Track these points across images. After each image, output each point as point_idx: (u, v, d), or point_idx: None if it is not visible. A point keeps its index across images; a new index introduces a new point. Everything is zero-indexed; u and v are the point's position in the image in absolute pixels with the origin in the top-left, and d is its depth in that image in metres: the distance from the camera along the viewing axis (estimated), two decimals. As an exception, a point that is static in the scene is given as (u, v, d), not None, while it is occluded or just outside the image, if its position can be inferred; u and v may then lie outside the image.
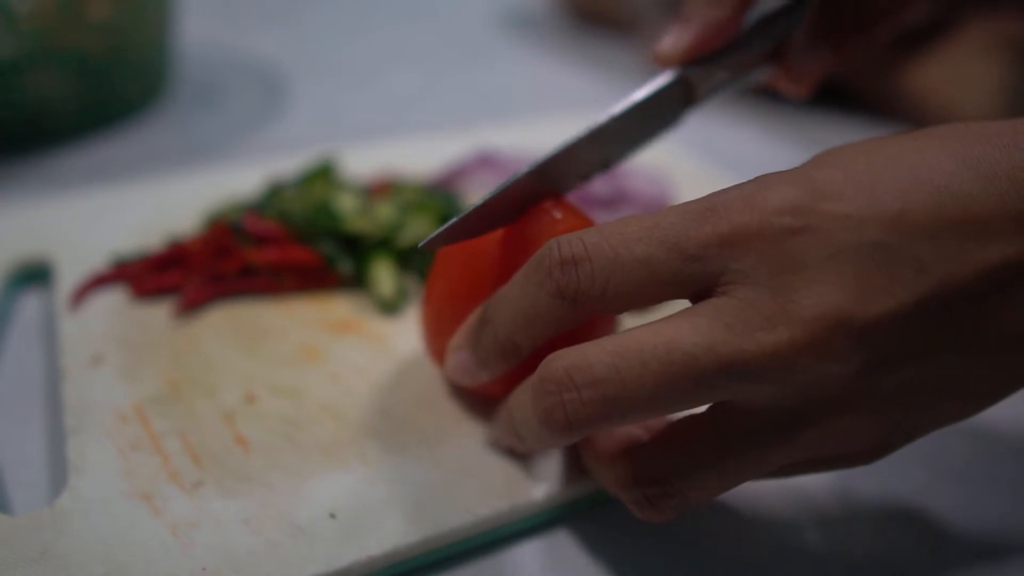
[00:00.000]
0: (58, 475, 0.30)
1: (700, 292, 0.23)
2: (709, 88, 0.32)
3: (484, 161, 0.47)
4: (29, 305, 0.39)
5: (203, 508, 0.28)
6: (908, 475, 0.31)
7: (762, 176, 0.23)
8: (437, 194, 0.43)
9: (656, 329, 0.22)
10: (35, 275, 0.40)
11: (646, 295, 0.23)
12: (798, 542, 0.29)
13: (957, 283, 0.21)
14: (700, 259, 0.22)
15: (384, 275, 0.38)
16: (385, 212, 0.41)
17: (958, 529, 0.29)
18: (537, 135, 0.52)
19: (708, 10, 0.31)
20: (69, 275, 0.39)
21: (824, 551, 0.28)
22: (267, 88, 0.64)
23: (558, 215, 0.28)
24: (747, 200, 0.22)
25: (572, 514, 0.29)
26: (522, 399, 0.25)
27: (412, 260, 0.40)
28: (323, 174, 0.44)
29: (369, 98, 0.63)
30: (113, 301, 0.38)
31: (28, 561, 0.26)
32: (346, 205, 0.40)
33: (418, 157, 0.49)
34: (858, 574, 0.28)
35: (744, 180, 0.24)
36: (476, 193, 0.46)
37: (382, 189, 0.44)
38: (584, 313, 0.24)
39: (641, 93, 0.31)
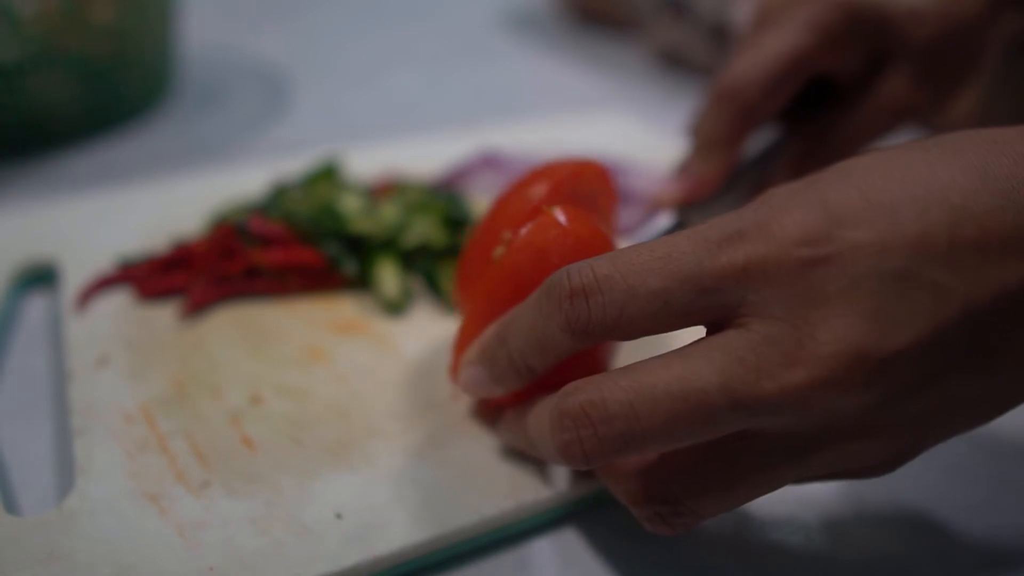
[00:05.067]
0: (65, 476, 0.30)
1: (715, 321, 0.22)
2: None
3: (487, 161, 0.47)
4: (35, 307, 0.39)
5: (210, 508, 0.28)
6: (915, 476, 0.30)
7: (777, 197, 0.23)
8: (441, 194, 0.43)
9: (670, 364, 0.22)
10: (40, 277, 0.41)
11: (659, 326, 0.23)
12: (804, 543, 0.29)
13: (976, 306, 0.21)
14: (715, 291, 0.22)
15: (388, 276, 0.38)
16: (389, 213, 0.41)
17: (966, 530, 0.29)
18: (540, 135, 0.52)
19: (702, 167, 0.38)
20: (74, 277, 0.39)
21: (830, 552, 0.28)
22: (270, 89, 0.64)
23: (564, 221, 0.28)
24: (763, 228, 0.22)
25: (578, 513, 0.29)
26: (540, 419, 0.25)
27: (416, 261, 0.40)
28: (327, 175, 0.44)
29: (372, 99, 0.63)
30: (119, 302, 0.38)
31: (35, 562, 0.26)
32: (350, 206, 0.41)
33: (421, 157, 0.49)
34: None
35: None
36: (479, 193, 0.46)
37: (386, 190, 0.44)
38: (594, 342, 0.24)
39: (647, 237, 0.36)
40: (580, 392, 0.23)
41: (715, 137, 0.38)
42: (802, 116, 0.40)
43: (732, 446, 0.23)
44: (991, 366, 0.22)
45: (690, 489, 0.24)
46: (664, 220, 0.38)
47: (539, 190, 0.31)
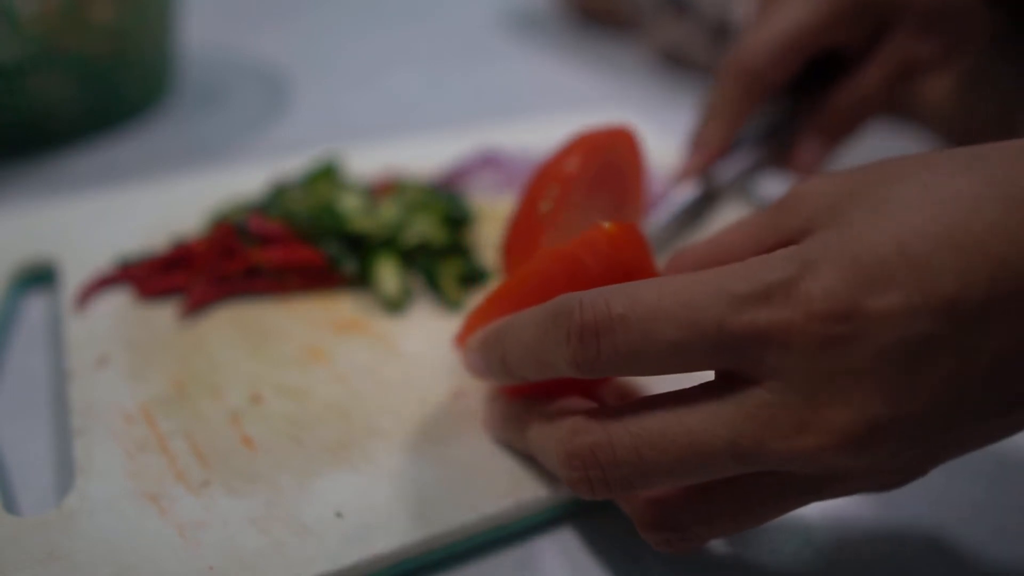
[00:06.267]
0: (65, 476, 0.30)
1: (728, 370, 0.22)
2: (728, 189, 0.42)
3: (487, 160, 0.47)
4: (34, 307, 0.39)
5: (210, 508, 0.28)
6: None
7: (806, 240, 0.22)
8: (440, 193, 0.43)
9: (680, 415, 0.22)
10: (40, 277, 0.40)
11: (668, 371, 0.22)
12: (805, 541, 0.29)
13: (1003, 359, 0.20)
14: (734, 348, 0.21)
15: (388, 274, 0.38)
16: (389, 212, 0.41)
17: (967, 529, 0.29)
18: (540, 134, 0.52)
19: (712, 136, 0.41)
20: (74, 277, 0.39)
21: (831, 552, 0.28)
22: (270, 89, 0.64)
23: (614, 241, 0.26)
24: (790, 290, 0.20)
25: (579, 511, 0.29)
26: (544, 440, 0.26)
27: (416, 259, 0.40)
28: (327, 174, 0.44)
29: (372, 98, 0.63)
30: (118, 302, 0.38)
31: (35, 562, 0.26)
32: (350, 205, 0.40)
33: (421, 157, 0.49)
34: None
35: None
36: (479, 192, 0.46)
37: (386, 189, 0.44)
38: (599, 377, 0.24)
39: (675, 206, 0.41)
40: (588, 433, 0.23)
41: (722, 107, 0.41)
42: (812, 91, 0.42)
43: (743, 481, 0.23)
44: (1006, 408, 0.21)
45: (700, 519, 0.24)
46: (687, 190, 0.41)
47: (573, 161, 0.32)
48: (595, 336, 0.22)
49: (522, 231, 0.33)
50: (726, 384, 0.22)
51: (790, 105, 0.43)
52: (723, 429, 0.21)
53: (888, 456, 0.21)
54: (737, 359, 0.21)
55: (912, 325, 0.19)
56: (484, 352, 0.28)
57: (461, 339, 0.30)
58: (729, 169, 0.42)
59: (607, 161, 0.33)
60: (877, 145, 0.48)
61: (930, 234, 0.20)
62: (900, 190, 0.21)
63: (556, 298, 0.24)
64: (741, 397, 0.21)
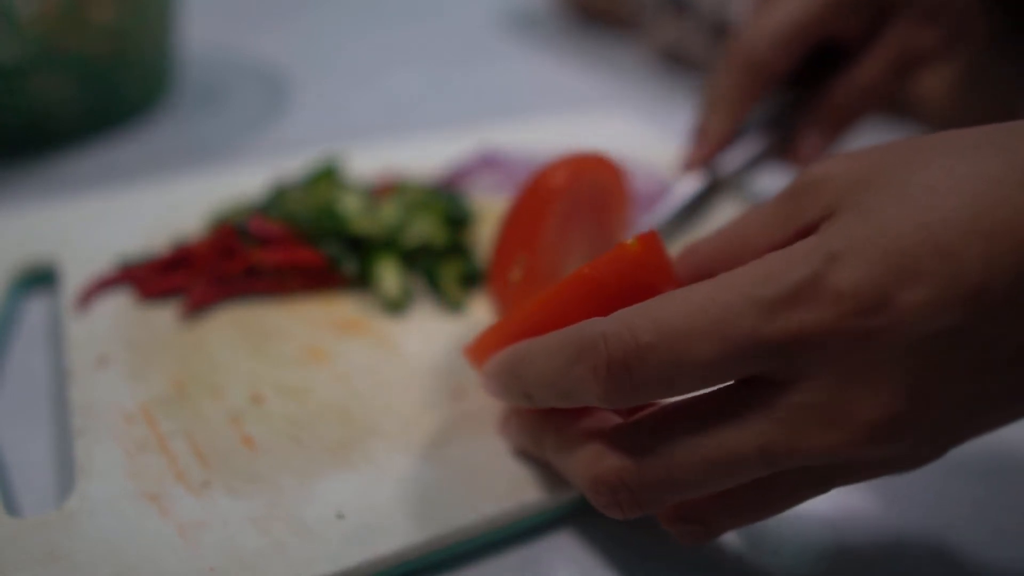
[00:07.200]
0: (65, 477, 0.30)
1: (752, 375, 0.22)
2: (731, 181, 0.43)
3: (488, 161, 0.47)
4: (35, 308, 0.39)
5: (210, 508, 0.28)
6: (916, 473, 0.30)
7: (825, 227, 0.21)
8: (441, 194, 0.43)
9: (709, 431, 0.22)
10: (40, 278, 0.40)
11: (702, 388, 0.22)
12: (805, 541, 0.29)
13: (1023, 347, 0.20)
14: (767, 356, 0.21)
15: (389, 275, 0.38)
16: (389, 212, 0.41)
17: (967, 529, 0.29)
18: (540, 134, 0.52)
19: (716, 125, 0.41)
20: (74, 277, 0.39)
21: (831, 551, 0.28)
22: (270, 89, 0.64)
23: (639, 259, 0.25)
24: (816, 287, 0.20)
25: (580, 512, 0.29)
26: (565, 459, 0.26)
27: (417, 260, 0.40)
28: (327, 175, 0.44)
29: (372, 98, 0.63)
30: (119, 303, 0.38)
31: (35, 562, 0.26)
32: (350, 206, 0.40)
33: (422, 157, 0.49)
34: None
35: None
36: (480, 193, 0.46)
37: (386, 189, 0.44)
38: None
39: (679, 197, 0.41)
40: (614, 456, 0.23)
41: (725, 98, 0.41)
42: (813, 83, 0.43)
43: (764, 478, 0.23)
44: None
45: (721, 513, 0.24)
46: (690, 182, 0.42)
47: (559, 178, 0.31)
48: (625, 370, 0.21)
49: (497, 294, 0.33)
50: (750, 389, 0.22)
51: (792, 97, 0.43)
52: (753, 438, 0.21)
53: (908, 446, 0.21)
54: (768, 364, 0.21)
55: (940, 318, 0.19)
56: (504, 381, 0.27)
57: (476, 356, 0.29)
58: (732, 160, 0.42)
59: (590, 184, 0.33)
60: (876, 143, 0.48)
61: (956, 221, 0.19)
62: (922, 174, 0.21)
63: (576, 328, 0.23)
64: (768, 402, 0.21)
